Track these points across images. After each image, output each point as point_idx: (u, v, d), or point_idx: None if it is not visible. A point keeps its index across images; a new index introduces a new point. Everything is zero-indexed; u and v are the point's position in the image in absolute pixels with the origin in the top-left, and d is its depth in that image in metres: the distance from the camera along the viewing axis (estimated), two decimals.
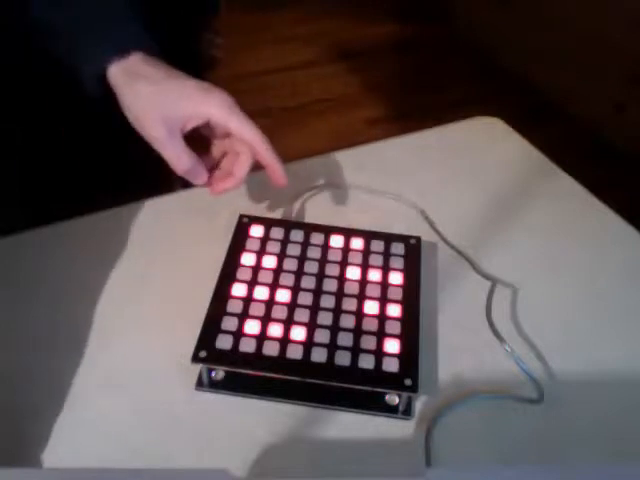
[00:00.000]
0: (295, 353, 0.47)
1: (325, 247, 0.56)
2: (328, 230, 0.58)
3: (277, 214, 0.64)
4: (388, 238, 0.58)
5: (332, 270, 0.54)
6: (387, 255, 0.56)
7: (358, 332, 0.49)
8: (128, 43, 0.49)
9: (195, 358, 0.47)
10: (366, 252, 0.56)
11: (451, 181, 0.71)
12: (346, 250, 0.56)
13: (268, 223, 0.58)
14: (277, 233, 0.57)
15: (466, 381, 0.51)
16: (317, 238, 0.57)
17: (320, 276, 0.54)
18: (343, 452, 0.46)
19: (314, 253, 0.56)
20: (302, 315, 0.50)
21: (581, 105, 2.02)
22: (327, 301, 0.51)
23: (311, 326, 0.49)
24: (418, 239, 0.58)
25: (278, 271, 0.54)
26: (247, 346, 0.47)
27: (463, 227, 0.64)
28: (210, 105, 0.49)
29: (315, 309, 0.51)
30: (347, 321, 0.50)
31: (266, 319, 0.50)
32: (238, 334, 0.48)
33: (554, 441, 0.47)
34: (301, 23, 2.53)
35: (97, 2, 0.50)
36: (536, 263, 0.61)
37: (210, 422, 0.47)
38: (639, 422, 0.49)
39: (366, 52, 2.44)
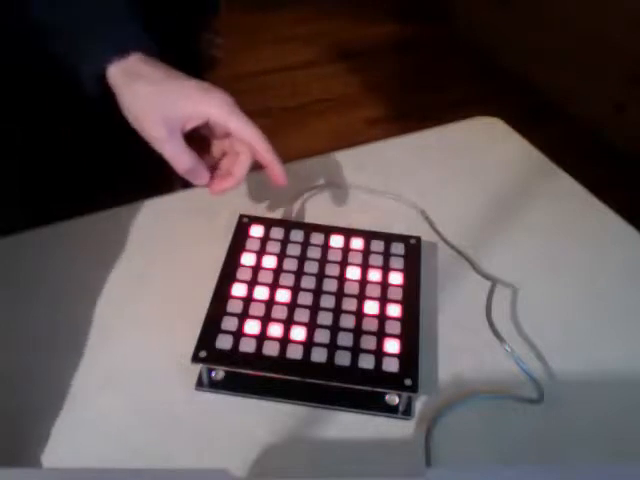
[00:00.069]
0: (295, 353, 0.47)
1: (325, 247, 0.56)
2: (328, 230, 0.58)
3: (277, 214, 0.64)
4: (388, 238, 0.58)
5: (332, 270, 0.54)
6: (387, 255, 0.56)
7: (358, 332, 0.49)
8: (127, 43, 0.49)
9: (195, 358, 0.47)
10: (366, 252, 0.56)
11: (451, 181, 0.71)
12: (346, 250, 0.56)
13: (268, 223, 0.58)
14: (277, 233, 0.57)
15: (466, 381, 0.51)
16: (317, 238, 0.57)
17: (320, 276, 0.54)
18: (343, 452, 0.46)
19: (314, 253, 0.56)
20: (302, 315, 0.50)
21: (581, 105, 2.02)
22: (327, 301, 0.51)
23: (311, 326, 0.49)
24: (418, 239, 0.58)
25: (278, 271, 0.54)
26: (247, 346, 0.47)
27: (463, 227, 0.64)
28: (210, 105, 0.49)
29: (315, 309, 0.51)
30: (347, 321, 0.50)
31: (266, 319, 0.50)
32: (238, 334, 0.48)
33: (554, 441, 0.47)
34: (301, 23, 2.53)
35: (97, 2, 0.50)
36: (536, 263, 0.61)
37: (210, 422, 0.47)
38: (639, 422, 0.49)
39: (366, 52, 2.44)
